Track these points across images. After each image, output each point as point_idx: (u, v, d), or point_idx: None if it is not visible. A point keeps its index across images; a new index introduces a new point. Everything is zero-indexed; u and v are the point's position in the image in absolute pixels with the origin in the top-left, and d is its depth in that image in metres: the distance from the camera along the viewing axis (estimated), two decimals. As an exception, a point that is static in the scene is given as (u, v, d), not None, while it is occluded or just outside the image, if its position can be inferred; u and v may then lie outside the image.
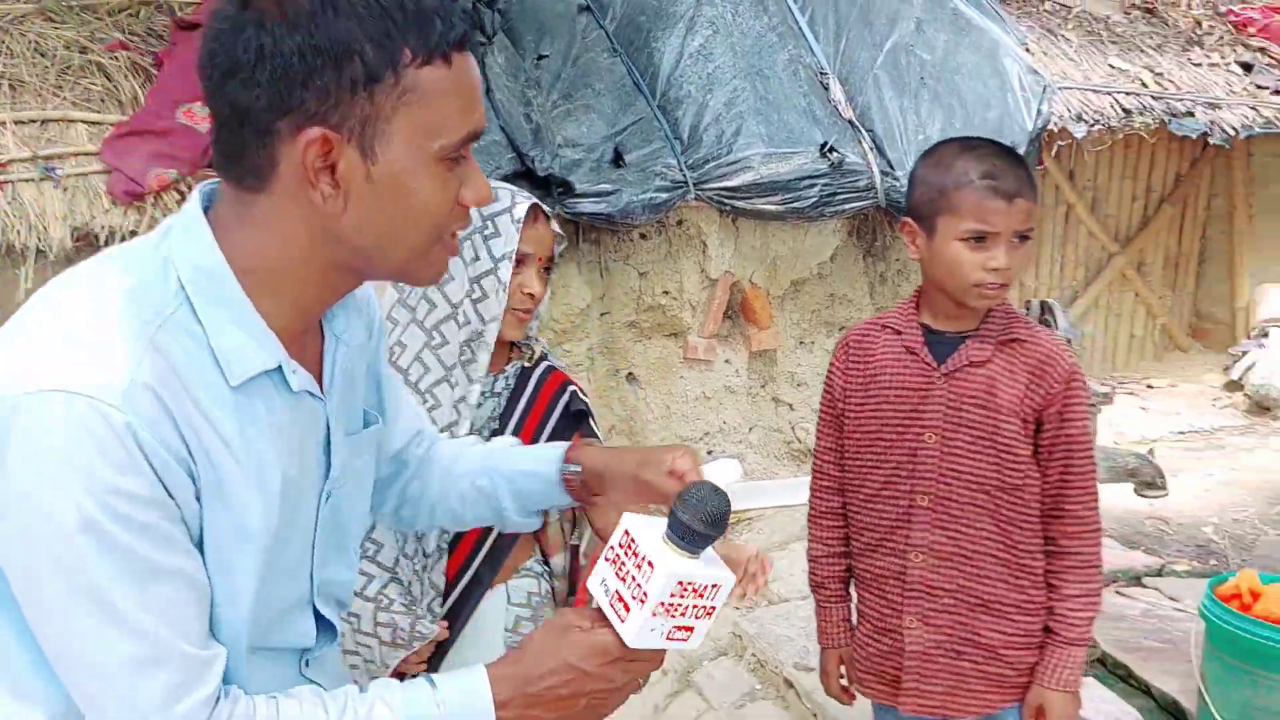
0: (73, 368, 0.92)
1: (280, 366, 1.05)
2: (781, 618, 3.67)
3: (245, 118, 0.97)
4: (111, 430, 0.91)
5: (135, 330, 0.96)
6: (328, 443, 1.16)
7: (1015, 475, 1.90)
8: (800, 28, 5.45)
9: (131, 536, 0.93)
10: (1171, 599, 3.82)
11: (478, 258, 1.89)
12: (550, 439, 2.02)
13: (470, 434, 1.95)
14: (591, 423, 2.11)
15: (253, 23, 0.95)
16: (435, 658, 2.02)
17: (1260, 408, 6.68)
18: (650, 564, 1.14)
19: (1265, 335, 6.87)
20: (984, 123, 5.38)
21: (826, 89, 5.30)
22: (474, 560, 2.02)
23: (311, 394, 1.11)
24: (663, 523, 1.18)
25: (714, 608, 1.18)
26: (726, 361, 5.28)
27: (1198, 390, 7.04)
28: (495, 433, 2.01)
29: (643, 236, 4.96)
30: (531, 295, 1.94)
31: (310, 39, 0.94)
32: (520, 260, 1.91)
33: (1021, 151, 5.47)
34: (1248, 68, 6.67)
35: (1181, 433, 6.26)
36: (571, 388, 2.08)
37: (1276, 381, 6.62)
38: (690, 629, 1.17)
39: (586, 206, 4.43)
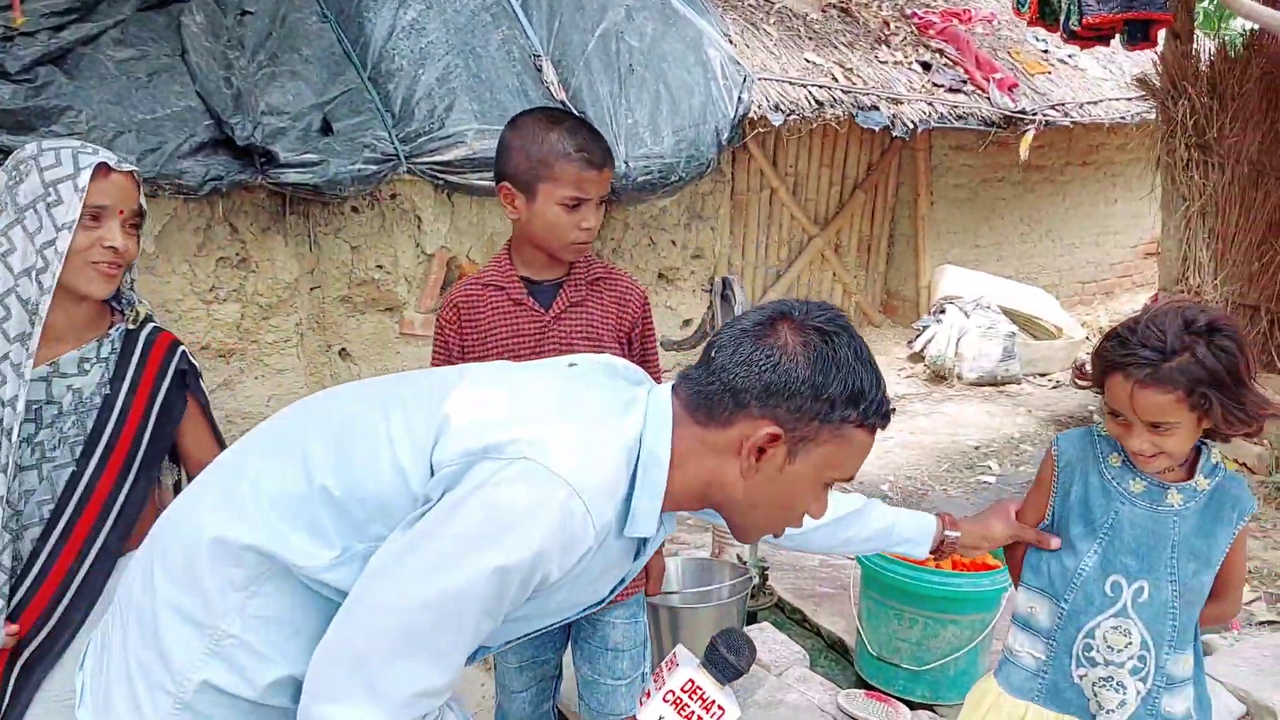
0: (592, 482, 1.27)
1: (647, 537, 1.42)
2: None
3: (737, 389, 1.35)
4: (584, 527, 1.25)
5: (623, 481, 1.34)
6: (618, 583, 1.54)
7: None
8: (514, 10, 5.51)
9: (515, 592, 1.25)
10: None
11: (41, 227, 1.83)
12: (164, 401, 2.01)
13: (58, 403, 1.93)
14: (200, 383, 2.11)
15: (781, 350, 1.35)
16: (48, 642, 1.96)
17: (938, 376, 7.38)
18: (721, 708, 1.43)
19: (943, 311, 7.57)
20: (690, 109, 5.65)
21: (540, 70, 5.39)
22: (100, 530, 1.96)
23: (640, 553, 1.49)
24: (696, 662, 1.47)
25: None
26: (443, 337, 5.30)
27: (887, 361, 7.68)
28: (106, 399, 1.95)
29: (354, 210, 4.90)
30: (114, 249, 1.87)
31: (813, 378, 1.33)
32: (96, 215, 1.86)
33: (725, 136, 5.81)
34: (927, 67, 7.32)
35: (870, 400, 6.81)
36: (181, 347, 2.06)
37: (950, 353, 7.34)
38: None
39: (291, 176, 4.32)
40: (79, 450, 1.95)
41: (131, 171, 1.91)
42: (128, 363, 1.98)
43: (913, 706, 3.01)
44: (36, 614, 1.94)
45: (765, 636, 3.27)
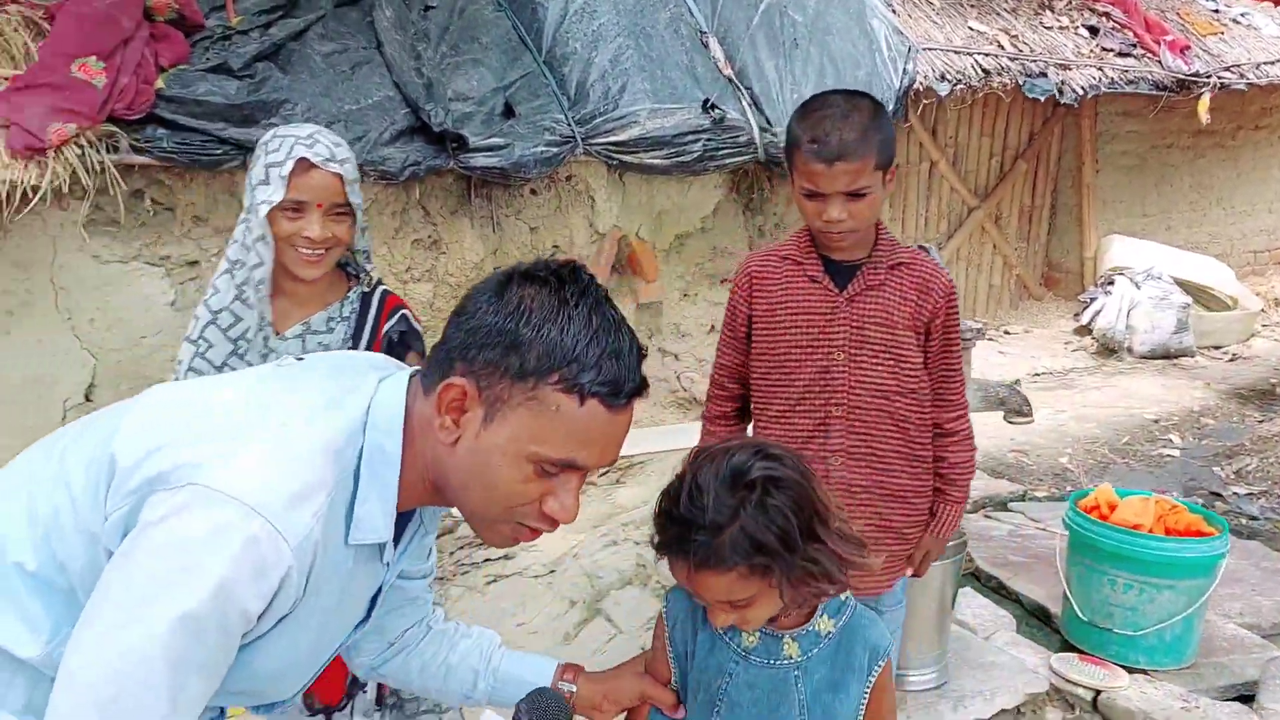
0: (274, 496, 1.10)
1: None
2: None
3: (444, 344, 1.21)
4: (274, 548, 1.08)
5: (326, 484, 1.15)
6: (375, 595, 1.36)
7: (911, 381, 2.19)
8: (680, -12, 5.58)
9: (215, 638, 1.08)
10: (1034, 520, 4.16)
11: (255, 203, 2.06)
12: (391, 355, 2.19)
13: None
14: (421, 341, 2.29)
15: (490, 294, 1.20)
16: None
17: (1106, 350, 7.19)
18: None
19: (1110, 283, 7.37)
20: (854, 81, 5.62)
21: (706, 47, 5.46)
22: None
23: (387, 563, 1.31)
24: None
25: None
26: (615, 313, 5.43)
27: (1050, 335, 7.53)
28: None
29: (533, 192, 5.05)
30: (310, 238, 2.06)
31: (505, 323, 1.16)
32: (297, 207, 2.05)
33: (890, 109, 5.78)
34: (1094, 31, 7.11)
35: (1036, 374, 6.71)
36: (404, 310, 2.28)
37: (1120, 325, 7.14)
38: None
39: (480, 160, 4.48)
40: None
41: (332, 165, 2.07)
42: (364, 320, 2.22)
43: (1129, 672, 3.00)
44: None
45: (969, 601, 3.30)
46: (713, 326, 5.66)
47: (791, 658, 1.54)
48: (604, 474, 5.09)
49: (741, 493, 1.39)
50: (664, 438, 5.32)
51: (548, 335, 1.16)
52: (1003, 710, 2.86)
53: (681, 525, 1.40)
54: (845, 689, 1.55)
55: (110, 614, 1.06)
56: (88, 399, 3.79)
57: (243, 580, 1.06)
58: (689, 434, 5.30)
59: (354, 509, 1.20)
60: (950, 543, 2.81)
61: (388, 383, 1.26)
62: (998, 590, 3.59)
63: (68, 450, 1.20)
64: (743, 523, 1.38)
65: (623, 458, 5.16)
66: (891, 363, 2.17)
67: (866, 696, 1.55)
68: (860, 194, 2.06)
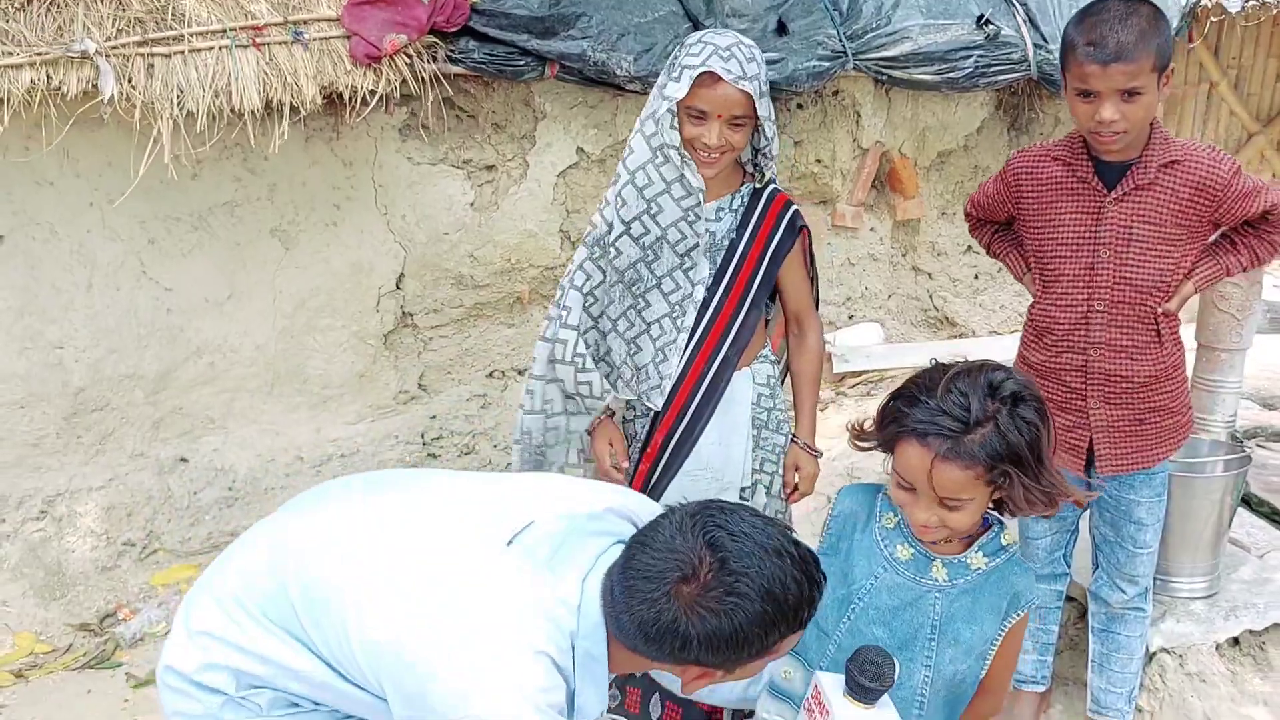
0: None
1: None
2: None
3: (668, 638, 1.42)
4: None
5: (560, 687, 1.44)
6: None
7: (1175, 278, 2.32)
8: (956, -102, 5.49)
9: None
10: (1310, 452, 4.06)
11: (664, 94, 2.27)
12: (775, 249, 2.43)
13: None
14: (810, 241, 2.50)
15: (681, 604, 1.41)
16: (686, 431, 2.46)
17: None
18: (832, 713, 1.51)
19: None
20: (1137, -4, 5.41)
21: (982, -38, 5.37)
22: (723, 346, 2.44)
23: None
24: (842, 680, 1.53)
25: None
26: (871, 230, 5.52)
27: (1330, 272, 7.06)
28: (732, 243, 2.42)
29: (799, 106, 5.18)
30: (708, 145, 2.26)
31: (707, 646, 1.41)
32: (700, 116, 2.24)
33: (1174, 26, 5.53)
34: None
35: (1314, 309, 6.34)
36: (794, 207, 2.47)
37: None
38: None
39: (755, 75, 4.65)
40: (710, 280, 2.42)
41: (736, 82, 2.23)
42: (751, 215, 2.41)
43: None
44: (679, 404, 2.46)
45: (1242, 519, 3.31)
46: (969, 247, 5.67)
47: (938, 580, 1.65)
48: (854, 386, 5.26)
49: (997, 402, 1.52)
50: (914, 353, 5.43)
51: (766, 628, 1.45)
52: (1275, 624, 2.90)
53: (936, 414, 1.52)
54: (979, 623, 1.65)
55: None
56: (398, 287, 4.24)
57: None
58: (939, 351, 5.38)
59: (574, 700, 1.48)
60: (1233, 457, 2.86)
61: (590, 581, 1.48)
62: (1270, 517, 3.56)
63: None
64: (1000, 424, 1.51)
65: (873, 371, 5.32)
66: (1157, 261, 2.27)
67: (1000, 638, 1.66)
68: (1134, 94, 2.12)
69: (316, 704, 1.59)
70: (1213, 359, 3.45)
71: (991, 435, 1.50)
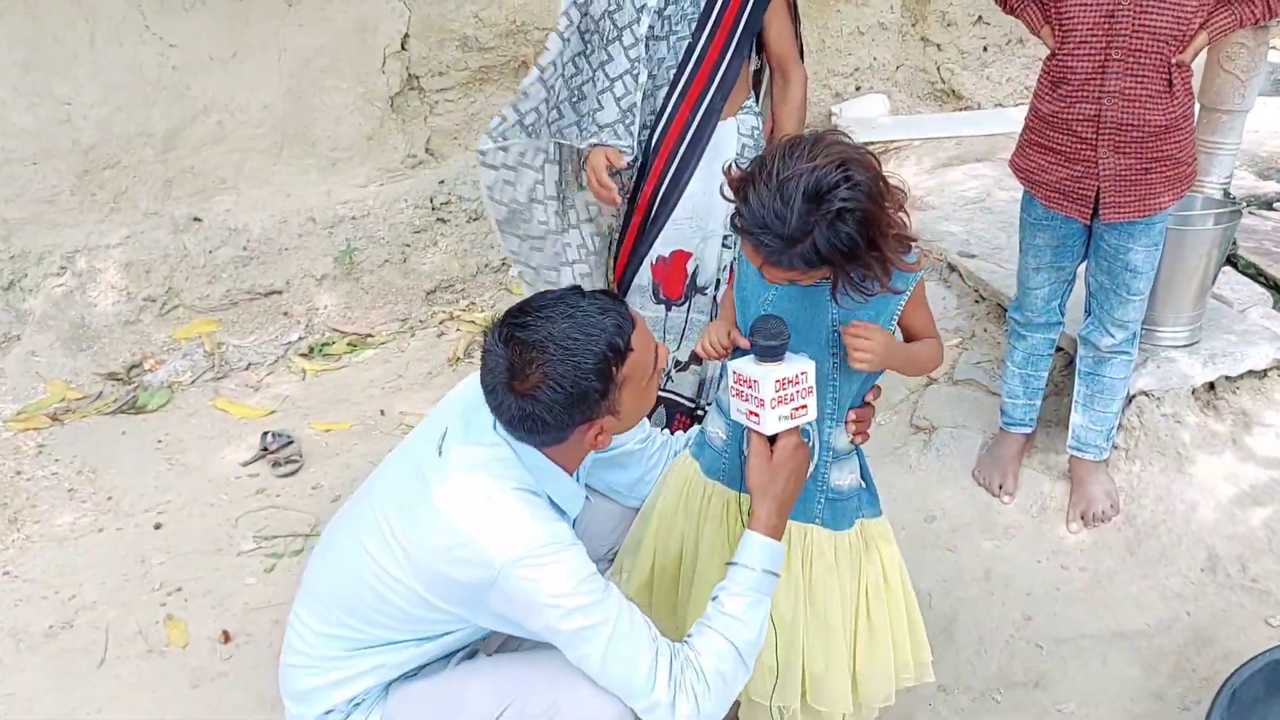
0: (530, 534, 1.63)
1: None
2: (942, 218, 4.09)
3: (537, 423, 1.64)
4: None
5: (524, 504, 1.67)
6: None
7: (1190, 28, 2.36)
8: None
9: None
10: (1300, 221, 4.14)
11: None
12: (749, 17, 2.45)
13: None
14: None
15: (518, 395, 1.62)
16: (674, 181, 2.56)
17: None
18: (755, 381, 1.67)
19: None
20: None
21: None
22: (708, 92, 2.49)
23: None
24: (750, 356, 1.69)
25: (811, 387, 1.68)
26: (883, -4, 5.41)
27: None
28: (703, 13, 2.42)
29: None
30: None
31: (561, 406, 1.61)
32: None
33: None
34: None
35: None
36: None
37: None
38: (804, 406, 1.69)
39: None
40: (694, 25, 2.43)
41: None
42: None
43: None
44: (665, 155, 2.54)
45: (1228, 278, 3.43)
46: (980, 17, 5.56)
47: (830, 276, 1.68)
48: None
49: (819, 213, 1.52)
50: (920, 126, 5.42)
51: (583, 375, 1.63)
52: (1250, 371, 3.06)
53: (758, 224, 1.57)
54: (879, 303, 1.74)
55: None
56: (403, 48, 4.20)
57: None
58: (946, 124, 5.38)
59: (553, 502, 1.74)
60: (1222, 210, 2.95)
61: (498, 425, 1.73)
62: (1255, 277, 3.68)
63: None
64: (815, 239, 1.53)
65: (881, 142, 5.33)
66: (1175, 8, 2.31)
67: (899, 308, 1.77)
68: None
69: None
70: (1214, 120, 3.48)
71: (807, 249, 1.55)
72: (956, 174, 4.72)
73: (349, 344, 3.96)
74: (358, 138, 4.17)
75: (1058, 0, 2.44)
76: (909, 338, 1.88)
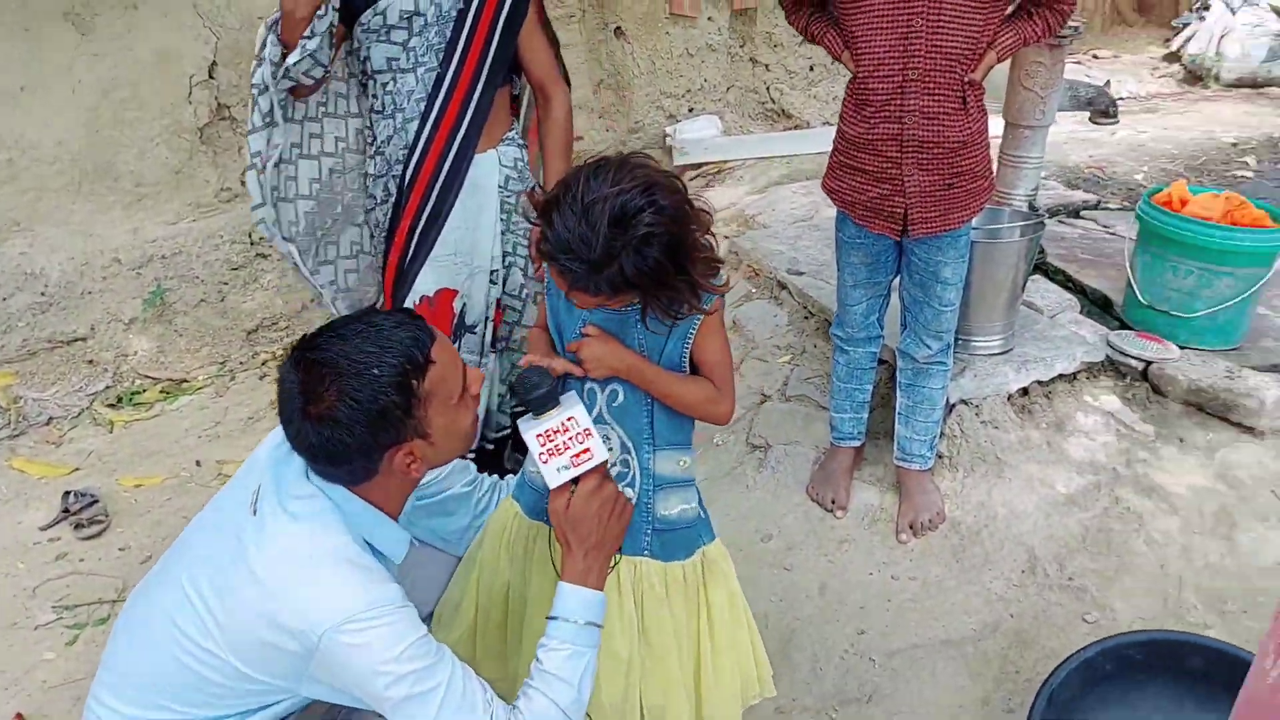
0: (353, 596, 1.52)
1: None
2: (771, 237, 4.14)
3: (344, 451, 1.54)
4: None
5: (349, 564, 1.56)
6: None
7: (979, 47, 2.44)
8: None
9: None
10: (1104, 226, 4.36)
11: None
12: (509, 14, 2.40)
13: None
14: (542, 4, 2.48)
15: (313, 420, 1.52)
16: (431, 217, 2.48)
17: (1194, 77, 7.10)
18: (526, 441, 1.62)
19: (1206, 8, 7.17)
20: None
21: None
22: (462, 124, 2.43)
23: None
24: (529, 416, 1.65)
25: (588, 430, 1.63)
26: (709, 19, 5.47)
27: (1139, 61, 7.41)
28: (460, 12, 2.35)
29: (630, -114, 5.01)
30: None
31: (362, 425, 1.52)
32: None
33: None
34: None
35: (1121, 98, 6.68)
36: None
37: (1211, 51, 7.00)
38: (585, 450, 1.63)
39: None
40: (441, 56, 2.38)
41: None
42: None
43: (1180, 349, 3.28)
44: (420, 190, 2.47)
45: (1039, 286, 3.57)
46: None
47: (637, 303, 1.67)
48: (694, 178, 5.32)
49: (625, 237, 1.50)
50: (752, 146, 5.50)
51: (381, 392, 1.54)
52: (1060, 375, 3.18)
53: (563, 247, 1.53)
54: (675, 329, 1.73)
55: None
56: (210, 76, 4.02)
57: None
58: (776, 143, 5.48)
59: (375, 550, 1.65)
60: (1027, 222, 3.06)
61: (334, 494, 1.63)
62: (1064, 284, 3.84)
63: None
64: (621, 263, 1.51)
65: (713, 163, 5.38)
66: (965, 29, 2.38)
67: (693, 334, 1.74)
68: None
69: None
70: (1017, 135, 3.64)
71: (616, 275, 1.53)
72: (786, 192, 4.80)
73: (162, 391, 3.75)
74: (165, 172, 3.96)
75: (854, 26, 2.48)
76: (697, 372, 1.81)
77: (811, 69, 5.85)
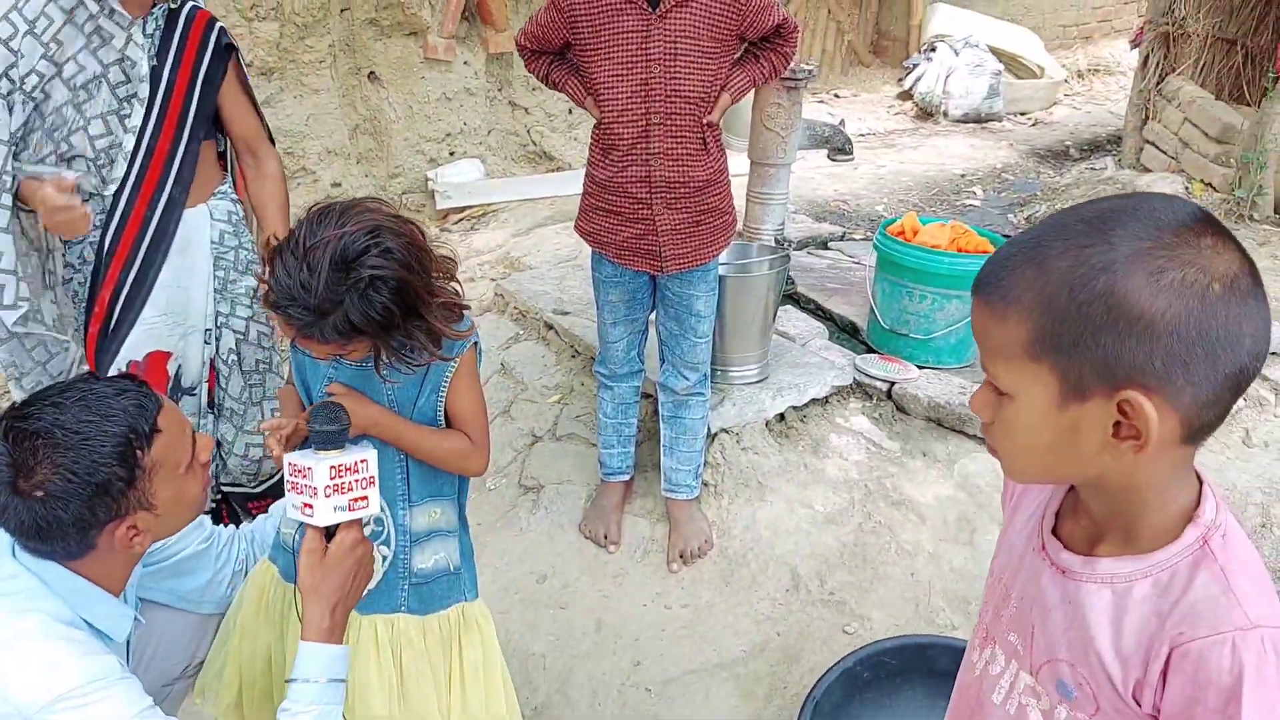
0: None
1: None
2: (536, 278, 4.17)
3: (56, 530, 1.45)
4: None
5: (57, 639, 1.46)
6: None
7: (715, 88, 2.57)
8: None
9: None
10: (850, 256, 4.64)
11: None
12: (206, 72, 2.34)
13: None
14: (239, 56, 2.43)
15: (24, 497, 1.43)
16: (138, 281, 2.39)
17: (925, 113, 7.68)
18: (308, 469, 1.55)
19: (933, 49, 7.78)
20: None
21: None
22: (165, 183, 2.35)
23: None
24: (308, 448, 1.59)
25: (373, 477, 1.59)
26: (465, 63, 5.49)
27: (876, 99, 7.96)
28: (154, 70, 2.28)
29: (375, -69, 4.98)
30: None
31: (80, 500, 1.43)
32: None
33: None
34: None
35: (862, 135, 7.15)
36: (219, 24, 2.36)
37: (938, 90, 7.60)
38: (364, 497, 1.59)
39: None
40: (141, 115, 2.30)
41: None
42: (171, 38, 2.28)
43: (920, 369, 3.52)
44: (123, 255, 2.37)
45: (790, 315, 3.75)
46: (559, 79, 5.78)
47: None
48: (458, 222, 5.30)
49: (349, 281, 1.46)
50: (515, 188, 5.54)
51: (100, 466, 1.46)
52: (813, 399, 3.35)
53: (285, 295, 1.48)
54: (422, 384, 1.71)
55: None
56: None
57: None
58: (538, 185, 5.53)
59: (94, 628, 1.54)
60: (774, 256, 3.22)
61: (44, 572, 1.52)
62: (815, 312, 4.06)
63: None
64: (346, 309, 1.47)
65: (476, 206, 5.38)
66: (699, 73, 2.51)
67: (445, 388, 1.72)
68: None
69: None
70: (763, 174, 3.83)
71: (341, 321, 1.49)
72: (550, 233, 4.85)
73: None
74: None
75: (596, 74, 2.55)
76: (452, 425, 1.79)
77: (571, 112, 5.96)
